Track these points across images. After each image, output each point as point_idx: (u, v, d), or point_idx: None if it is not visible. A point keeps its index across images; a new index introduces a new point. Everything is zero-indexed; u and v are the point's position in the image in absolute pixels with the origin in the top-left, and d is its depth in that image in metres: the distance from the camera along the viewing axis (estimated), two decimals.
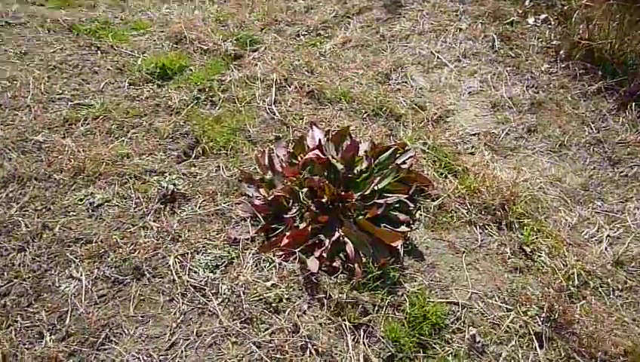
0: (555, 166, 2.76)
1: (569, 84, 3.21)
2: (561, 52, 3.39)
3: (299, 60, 3.36)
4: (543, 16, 3.72)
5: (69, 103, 2.79)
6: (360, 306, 1.89)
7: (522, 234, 2.32)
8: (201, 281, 1.91)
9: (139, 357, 1.66)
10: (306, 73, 3.25)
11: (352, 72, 3.31)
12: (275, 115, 2.84)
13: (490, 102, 3.13)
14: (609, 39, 3.26)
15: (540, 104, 3.09)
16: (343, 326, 1.81)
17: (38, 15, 3.62)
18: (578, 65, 3.31)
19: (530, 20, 3.70)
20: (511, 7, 3.79)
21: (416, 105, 3.06)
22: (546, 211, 2.50)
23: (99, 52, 3.31)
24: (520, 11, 3.75)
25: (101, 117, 2.69)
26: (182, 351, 1.68)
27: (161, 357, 1.67)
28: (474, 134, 2.93)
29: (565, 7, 3.68)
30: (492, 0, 3.86)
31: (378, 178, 2.26)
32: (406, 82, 3.28)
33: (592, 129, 2.94)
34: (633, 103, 3.03)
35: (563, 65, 3.32)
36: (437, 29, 3.67)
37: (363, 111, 2.96)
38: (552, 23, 3.66)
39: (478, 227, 2.31)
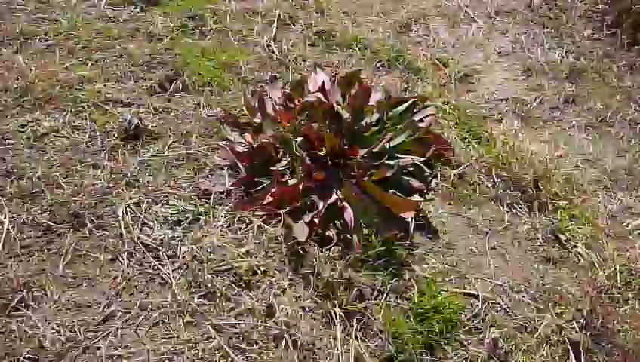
0: (595, 143, 2.30)
1: (614, 54, 2.72)
2: (608, 18, 2.88)
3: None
4: None
5: (31, 16, 2.27)
6: (355, 289, 1.42)
7: (556, 219, 1.86)
8: (155, 239, 1.43)
9: (59, 331, 1.21)
10: (315, 14, 2.73)
11: (367, 19, 2.80)
12: (273, 52, 2.33)
13: (523, 65, 2.63)
14: None
15: (580, 73, 2.60)
16: (332, 313, 1.35)
17: None
18: (627, 33, 2.80)
19: None
20: None
21: (438, 60, 2.56)
22: (582, 194, 2.03)
23: None
24: None
25: (65, 34, 2.18)
26: (117, 328, 1.23)
27: (88, 334, 1.21)
28: (502, 99, 2.45)
29: None
30: None
31: (390, 134, 1.77)
32: (427, 35, 2.78)
33: (638, 105, 2.45)
34: None
35: (609, 33, 2.82)
36: None
37: (376, 60, 2.45)
38: None
39: (505, 205, 1.84)
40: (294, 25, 2.58)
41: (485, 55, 2.69)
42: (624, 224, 1.98)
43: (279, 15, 2.59)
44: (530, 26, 2.86)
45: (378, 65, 2.42)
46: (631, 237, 1.93)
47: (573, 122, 2.38)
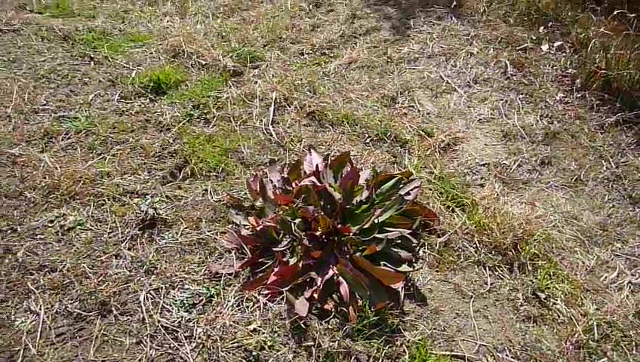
0: (571, 202, 2.52)
1: (585, 115, 2.99)
2: (577, 81, 3.18)
3: (301, 80, 3.16)
4: (557, 43, 3.52)
5: (53, 115, 2.59)
6: (353, 357, 1.64)
7: (536, 278, 2.07)
8: (174, 322, 1.66)
9: None
10: (308, 93, 3.05)
11: (356, 94, 3.11)
12: (272, 136, 2.62)
13: (502, 130, 2.90)
14: (628, 69, 3.04)
15: (554, 135, 2.86)
16: None
17: (33, 23, 3.45)
18: (595, 95, 3.09)
19: (544, 47, 3.50)
20: (524, 33, 3.59)
21: (423, 131, 2.84)
22: (561, 252, 2.25)
23: (92, 62, 3.13)
24: (534, 37, 3.56)
25: (84, 131, 2.48)
26: None
27: None
28: (484, 164, 2.70)
29: (581, 35, 3.48)
30: (505, 25, 3.67)
31: (379, 210, 2.02)
32: (413, 106, 3.07)
33: (610, 164, 2.71)
34: None
35: (579, 95, 3.10)
36: (447, 53, 3.47)
37: (366, 135, 2.74)
38: (567, 50, 3.46)
39: (487, 268, 2.07)
40: (289, 106, 2.89)
41: (467, 123, 2.97)
42: (601, 278, 2.18)
43: (275, 98, 2.90)
44: (506, 92, 3.16)
45: (368, 140, 2.70)
46: (608, 290, 2.13)
47: (550, 182, 2.62)
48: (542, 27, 3.67)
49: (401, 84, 3.21)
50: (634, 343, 1.91)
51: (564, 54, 3.44)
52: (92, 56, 3.17)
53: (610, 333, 1.94)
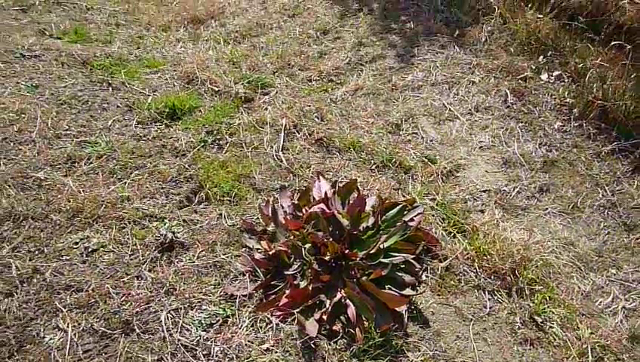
0: (568, 229, 2.65)
1: (582, 144, 3.13)
2: (575, 110, 3.33)
3: (309, 106, 3.32)
4: (556, 72, 3.67)
5: (75, 140, 2.75)
6: None
7: (533, 302, 2.20)
8: (192, 341, 1.79)
9: None
10: (316, 119, 3.21)
11: (362, 121, 3.26)
12: (282, 162, 2.77)
13: (502, 158, 3.05)
14: (624, 100, 3.19)
15: (552, 163, 3.00)
16: None
17: (54, 48, 3.63)
18: (592, 124, 3.24)
19: (544, 76, 3.66)
20: (524, 62, 3.75)
21: (426, 157, 2.98)
22: (558, 277, 2.38)
23: (110, 88, 3.30)
24: (533, 67, 3.71)
25: (105, 156, 2.64)
26: None
27: None
28: (484, 191, 2.84)
29: (579, 65, 3.64)
30: (505, 54, 3.83)
31: (385, 236, 2.16)
32: (416, 133, 3.22)
33: (606, 191, 2.84)
34: None
35: (576, 124, 3.25)
36: (449, 81, 3.64)
37: (372, 161, 2.89)
38: (566, 80, 3.61)
39: (486, 292, 2.20)
40: (298, 132, 3.04)
41: (468, 150, 3.11)
42: (596, 303, 2.30)
43: (285, 125, 3.06)
44: (506, 120, 3.31)
45: (373, 166, 2.85)
46: (603, 315, 2.25)
47: (548, 209, 2.75)
48: (541, 56, 3.83)
49: (406, 111, 3.36)
50: None
51: (562, 83, 3.59)
52: (110, 82, 3.34)
53: (604, 357, 2.06)
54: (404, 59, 3.90)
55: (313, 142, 2.97)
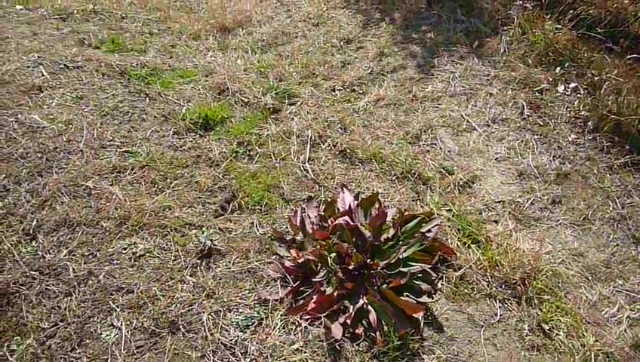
0: (578, 240, 2.81)
1: (595, 157, 3.27)
2: (589, 123, 3.46)
3: (333, 116, 3.52)
4: (572, 85, 3.80)
5: (118, 150, 2.99)
6: None
7: (541, 311, 2.38)
8: (231, 340, 2.03)
9: None
10: (340, 130, 3.41)
11: (383, 131, 3.45)
12: (308, 173, 2.98)
13: (517, 169, 3.21)
14: (638, 114, 3.32)
15: (565, 175, 3.16)
16: None
17: (94, 59, 3.89)
18: (606, 137, 3.37)
19: (560, 88, 3.79)
20: (541, 74, 3.88)
21: (443, 168, 3.16)
22: (566, 287, 2.55)
23: (147, 99, 3.54)
24: (550, 79, 3.85)
25: (147, 166, 2.88)
26: None
27: None
28: (499, 201, 3.01)
29: (595, 78, 3.76)
30: (523, 66, 3.97)
31: (404, 247, 2.36)
32: (435, 144, 3.40)
33: (616, 204, 2.99)
34: None
35: (590, 137, 3.39)
36: (468, 92, 3.80)
37: (392, 172, 3.08)
38: (582, 92, 3.74)
39: (497, 301, 2.39)
40: (323, 143, 3.25)
41: (485, 161, 3.28)
42: (602, 312, 2.47)
43: (310, 136, 3.26)
44: (522, 132, 3.46)
45: (394, 177, 3.04)
46: (608, 324, 2.42)
47: (560, 220, 2.91)
48: (559, 68, 3.96)
49: (425, 122, 3.54)
50: None
51: (578, 96, 3.72)
52: (147, 92, 3.58)
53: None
54: (425, 69, 4.07)
55: (337, 153, 3.18)
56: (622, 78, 3.68)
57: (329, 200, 2.69)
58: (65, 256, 2.35)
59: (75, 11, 4.80)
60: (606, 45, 4.19)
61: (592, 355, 2.22)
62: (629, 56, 3.91)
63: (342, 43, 4.45)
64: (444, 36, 4.39)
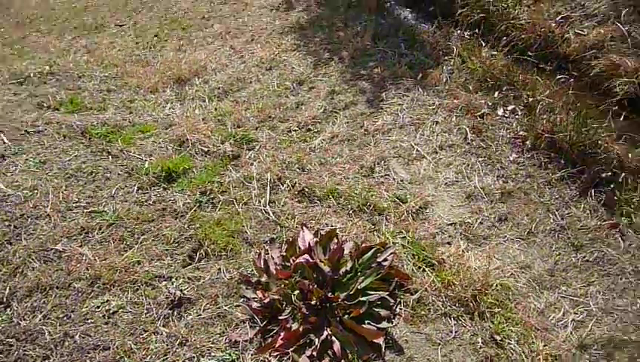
0: (524, 253, 3.08)
1: (535, 173, 3.59)
2: (527, 142, 3.80)
3: (291, 157, 3.76)
4: (510, 107, 4.16)
5: (85, 211, 3.15)
6: None
7: (493, 323, 2.61)
8: None
9: None
10: (298, 170, 3.64)
11: (339, 167, 3.70)
12: (269, 215, 3.20)
13: (465, 192, 3.49)
14: (568, 131, 3.66)
15: (509, 193, 3.45)
16: None
17: (54, 121, 4.06)
18: (543, 154, 3.70)
19: (500, 111, 4.14)
20: (482, 99, 4.23)
21: (397, 198, 3.42)
22: (516, 298, 2.80)
23: (110, 157, 3.72)
24: (490, 103, 4.20)
25: (114, 225, 3.04)
26: None
27: None
28: (450, 224, 3.27)
29: (530, 99, 4.13)
30: (464, 93, 4.31)
31: (361, 278, 2.58)
32: (388, 175, 3.66)
33: (556, 216, 3.29)
34: (592, 190, 3.39)
35: (529, 155, 3.72)
36: (415, 123, 4.11)
37: (349, 207, 3.32)
38: (519, 113, 4.10)
39: (452, 318, 2.62)
40: (282, 185, 3.47)
41: (435, 186, 3.56)
42: (550, 318, 2.73)
43: (270, 179, 3.49)
44: (467, 156, 3.77)
45: (351, 212, 3.28)
46: (555, 328, 2.67)
47: (507, 236, 3.19)
48: (497, 92, 4.32)
49: (378, 155, 3.81)
50: None
51: (516, 117, 4.07)
52: (109, 150, 3.76)
53: None
54: (374, 104, 4.38)
55: (296, 193, 3.41)
56: (553, 98, 4.07)
57: (290, 239, 2.90)
58: (40, 320, 2.49)
59: (32, 74, 4.97)
60: (539, 67, 4.61)
61: (541, 359, 2.46)
62: (558, 76, 4.32)
63: (295, 85, 4.74)
64: (390, 70, 4.73)
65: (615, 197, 3.34)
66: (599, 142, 3.63)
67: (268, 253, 2.82)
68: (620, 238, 3.12)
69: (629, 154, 3.55)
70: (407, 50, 4.97)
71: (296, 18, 5.93)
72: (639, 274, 2.90)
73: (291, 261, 2.69)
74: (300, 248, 2.79)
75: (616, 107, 4.13)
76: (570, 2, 5.12)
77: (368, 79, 4.69)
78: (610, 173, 3.45)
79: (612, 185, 3.40)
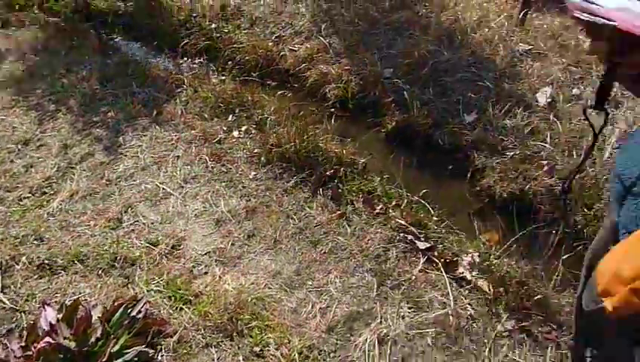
0: (274, 261, 3.43)
1: (272, 186, 3.99)
2: (262, 158, 4.19)
3: (26, 229, 3.50)
4: (244, 128, 4.53)
5: None
6: None
7: (252, 337, 2.88)
8: None
9: None
10: (35, 243, 3.42)
11: (84, 227, 3.58)
12: (4, 303, 2.95)
13: (214, 219, 3.71)
14: (292, 140, 4.16)
15: (253, 210, 3.78)
16: None
17: None
18: (277, 166, 4.13)
19: (235, 134, 4.47)
20: (217, 125, 4.51)
21: (149, 243, 3.46)
22: (271, 305, 3.12)
23: None
24: (225, 128, 4.50)
25: None
26: None
27: None
28: (205, 254, 3.45)
29: (260, 117, 4.56)
30: (200, 122, 4.54)
31: (114, 341, 2.58)
32: (138, 221, 3.68)
33: (295, 220, 3.72)
34: (321, 189, 3.94)
35: (265, 170, 4.11)
36: (157, 161, 4.18)
37: (98, 267, 3.25)
38: (253, 132, 4.49)
39: (213, 347, 2.80)
40: (18, 264, 3.22)
41: (186, 221, 3.70)
42: (301, 314, 3.10)
43: (0, 262, 3.20)
44: (211, 183, 4.00)
45: (100, 271, 3.22)
46: (307, 321, 3.05)
47: (257, 251, 3.50)
48: (231, 115, 4.66)
49: (124, 203, 3.79)
50: (327, 353, 2.85)
51: (250, 136, 4.45)
52: None
53: (309, 354, 2.85)
54: (112, 150, 4.31)
55: (35, 268, 3.20)
56: (279, 112, 4.57)
57: (32, 323, 2.73)
58: None
59: None
60: (264, 84, 5.11)
61: (296, 353, 2.81)
62: (280, 91, 4.86)
63: (19, 146, 4.38)
64: (124, 112, 4.70)
65: (339, 190, 3.93)
66: (320, 144, 4.22)
67: (7, 347, 2.61)
68: (346, 225, 3.68)
69: (344, 150, 4.21)
70: (139, 88, 4.99)
71: (9, 70, 5.43)
72: (364, 251, 3.48)
73: (33, 348, 2.55)
74: (43, 330, 2.65)
75: (333, 109, 4.87)
76: (281, 22, 5.78)
77: (103, 125, 4.58)
78: (332, 170, 4.04)
79: (335, 180, 3.99)
